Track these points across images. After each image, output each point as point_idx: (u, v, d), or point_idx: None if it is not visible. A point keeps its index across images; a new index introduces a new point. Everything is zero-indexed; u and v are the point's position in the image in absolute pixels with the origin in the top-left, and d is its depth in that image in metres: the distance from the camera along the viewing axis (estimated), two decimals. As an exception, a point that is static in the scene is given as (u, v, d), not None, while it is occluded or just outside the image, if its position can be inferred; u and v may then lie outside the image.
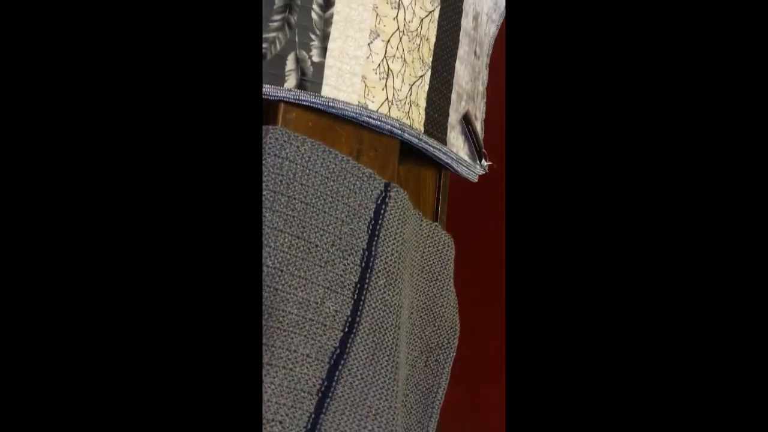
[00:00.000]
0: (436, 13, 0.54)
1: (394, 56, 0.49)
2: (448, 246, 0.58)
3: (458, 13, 0.58)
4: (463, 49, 0.60)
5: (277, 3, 0.44)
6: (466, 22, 0.60)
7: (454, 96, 0.58)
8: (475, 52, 0.63)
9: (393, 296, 0.48)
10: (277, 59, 0.44)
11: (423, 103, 0.53)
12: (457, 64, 0.59)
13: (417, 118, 0.52)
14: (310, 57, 0.45)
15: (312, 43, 0.45)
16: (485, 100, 0.67)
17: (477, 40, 0.63)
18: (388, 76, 0.48)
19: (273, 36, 0.44)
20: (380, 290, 0.47)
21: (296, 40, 0.45)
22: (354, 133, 0.49)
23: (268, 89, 0.44)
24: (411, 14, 0.50)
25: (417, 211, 0.54)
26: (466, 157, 0.61)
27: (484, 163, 0.62)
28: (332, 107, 0.46)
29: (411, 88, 0.51)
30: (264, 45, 0.44)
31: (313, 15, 0.45)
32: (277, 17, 0.45)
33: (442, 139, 0.56)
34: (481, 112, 0.66)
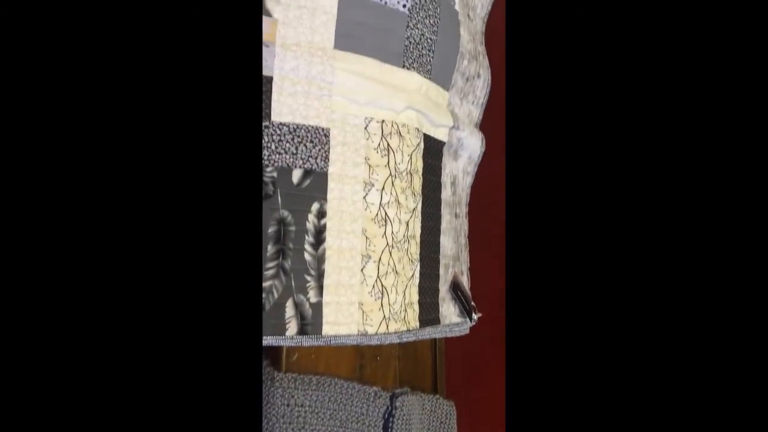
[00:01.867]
0: (419, 207, 0.56)
1: (386, 273, 0.50)
2: (450, 414, 0.60)
3: (437, 190, 0.60)
4: (446, 219, 0.62)
5: (269, 250, 0.45)
6: (446, 194, 0.62)
7: (441, 270, 0.60)
8: (455, 214, 0.65)
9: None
10: (276, 308, 0.45)
11: (416, 298, 0.55)
12: (442, 238, 0.60)
13: (412, 317, 0.54)
14: (307, 299, 0.46)
15: (308, 284, 0.46)
16: (468, 247, 0.69)
17: (456, 202, 0.65)
18: (383, 294, 0.50)
19: (270, 284, 0.45)
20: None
21: (293, 285, 0.46)
22: (355, 351, 0.51)
23: (270, 340, 0.45)
24: (398, 224, 0.52)
25: (418, 396, 0.56)
26: (457, 320, 0.63)
27: (474, 316, 0.64)
28: (334, 342, 0.47)
29: (404, 292, 0.53)
30: (262, 295, 0.45)
31: (306, 255, 0.46)
32: (271, 264, 0.45)
33: (436, 319, 0.58)
34: (466, 263, 0.68)
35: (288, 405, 0.44)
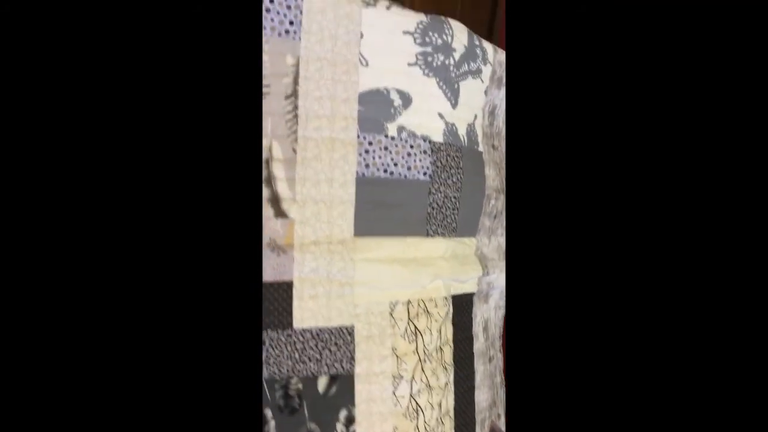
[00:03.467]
0: (451, 378, 0.53)
1: (420, 469, 0.48)
2: None
3: (470, 346, 0.57)
4: (479, 372, 0.59)
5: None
6: (478, 345, 0.59)
7: (477, 430, 0.58)
8: (489, 358, 0.62)
9: None
10: None
11: (452, 478, 0.52)
12: (476, 394, 0.58)
13: (450, 502, 0.51)
14: None
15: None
16: (504, 383, 0.66)
17: (489, 345, 0.62)
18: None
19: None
20: None
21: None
22: None
23: None
24: (430, 411, 0.50)
25: None
26: (497, 473, 0.60)
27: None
28: None
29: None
30: None
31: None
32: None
33: (474, 488, 0.56)
34: (503, 403, 0.65)
35: None
